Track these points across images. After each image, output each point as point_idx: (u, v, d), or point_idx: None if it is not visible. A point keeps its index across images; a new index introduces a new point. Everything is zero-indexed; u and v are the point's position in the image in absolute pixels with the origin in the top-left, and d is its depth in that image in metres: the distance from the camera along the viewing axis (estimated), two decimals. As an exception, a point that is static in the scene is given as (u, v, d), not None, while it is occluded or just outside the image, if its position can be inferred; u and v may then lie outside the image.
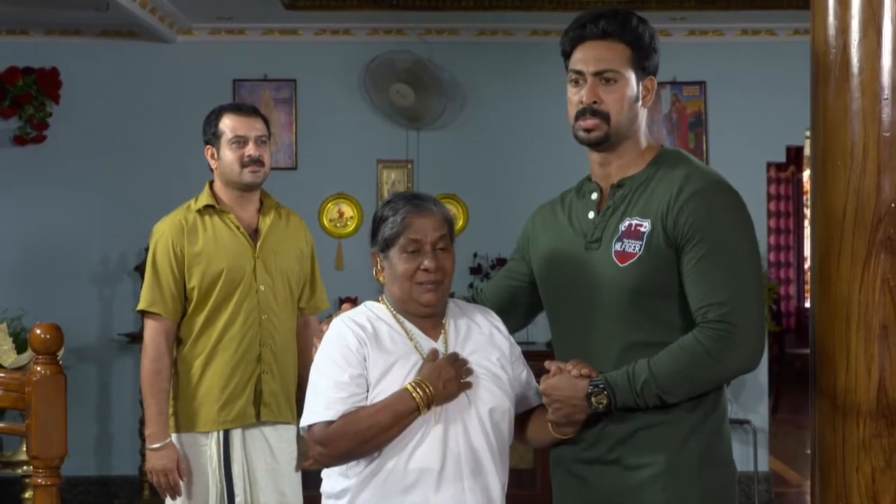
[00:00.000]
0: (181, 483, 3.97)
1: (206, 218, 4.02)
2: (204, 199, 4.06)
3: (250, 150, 4.00)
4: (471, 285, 7.44)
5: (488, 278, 7.46)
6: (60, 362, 2.72)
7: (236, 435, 3.97)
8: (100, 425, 7.53)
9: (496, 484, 2.77)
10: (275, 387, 4.03)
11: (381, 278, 2.86)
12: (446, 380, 2.69)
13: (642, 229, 2.71)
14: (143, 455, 7.02)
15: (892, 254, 2.60)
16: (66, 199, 7.47)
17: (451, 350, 2.79)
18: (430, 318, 2.84)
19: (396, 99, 7.40)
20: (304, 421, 2.74)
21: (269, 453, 4.02)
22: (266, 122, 4.14)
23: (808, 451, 9.23)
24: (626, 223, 2.74)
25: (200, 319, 3.97)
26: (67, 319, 6.84)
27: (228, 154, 4.01)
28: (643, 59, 2.80)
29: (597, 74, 2.76)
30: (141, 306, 3.99)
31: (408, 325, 2.81)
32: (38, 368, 2.61)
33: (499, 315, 2.94)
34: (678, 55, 7.48)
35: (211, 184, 4.11)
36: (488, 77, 7.57)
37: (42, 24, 7.39)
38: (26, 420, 2.63)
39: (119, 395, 7.50)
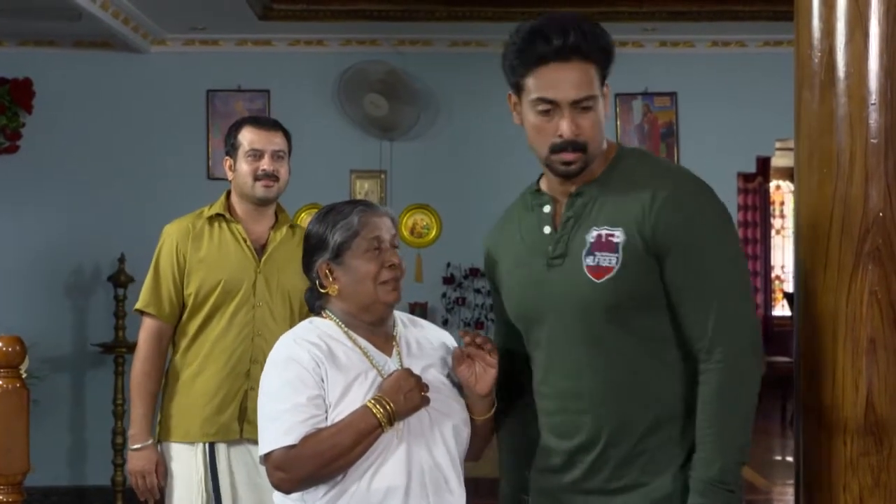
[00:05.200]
0: (162, 488, 3.94)
1: (215, 226, 4.00)
2: (217, 207, 4.02)
3: (265, 164, 3.94)
4: (444, 295, 7.48)
5: (461, 288, 7.48)
6: (24, 375, 2.70)
7: (222, 448, 3.92)
8: (74, 435, 7.52)
9: (461, 499, 2.74)
10: None
11: (333, 290, 2.77)
12: (407, 391, 2.63)
13: (615, 240, 2.47)
14: (115, 465, 7.01)
15: (880, 265, 2.51)
16: (39, 209, 7.46)
17: (405, 364, 2.73)
18: (381, 332, 2.78)
19: (370, 109, 7.41)
20: (263, 448, 2.67)
21: (254, 469, 3.93)
22: (287, 136, 4.06)
23: (777, 458, 9.22)
24: (595, 234, 2.50)
25: (193, 328, 3.94)
26: (41, 330, 6.93)
27: (244, 167, 3.96)
28: (607, 72, 2.55)
29: (575, 103, 2.48)
30: (138, 306, 3.97)
31: (360, 340, 2.75)
32: (0, 382, 2.60)
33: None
34: (650, 66, 7.54)
35: (228, 194, 4.08)
36: (461, 88, 7.59)
37: (15, 34, 7.38)
38: (-13, 435, 2.61)
39: (93, 404, 7.48)
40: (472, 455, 2.85)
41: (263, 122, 4.08)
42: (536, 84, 2.49)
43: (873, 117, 2.53)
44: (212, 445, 3.91)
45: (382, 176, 7.56)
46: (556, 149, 2.51)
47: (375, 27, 7.34)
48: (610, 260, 2.47)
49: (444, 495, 2.70)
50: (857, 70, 2.55)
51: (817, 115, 2.61)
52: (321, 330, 2.77)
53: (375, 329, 2.78)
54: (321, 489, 2.65)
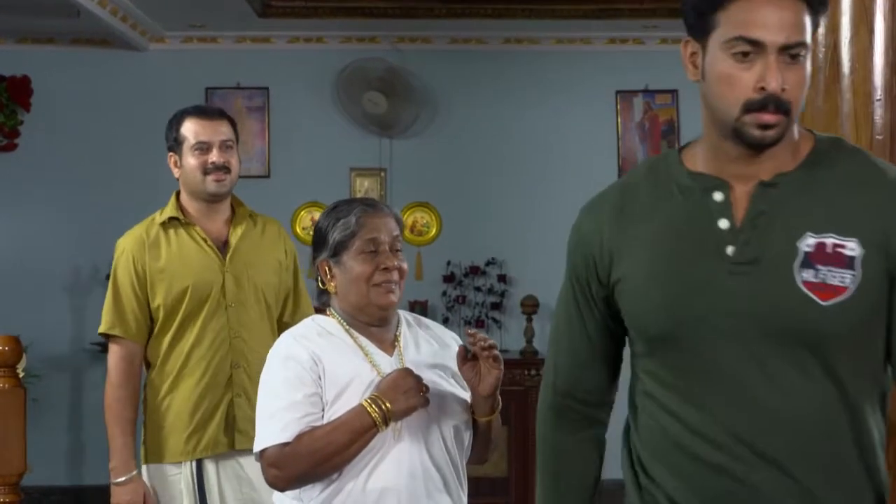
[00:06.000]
0: None
1: (171, 231, 3.75)
2: (168, 210, 3.78)
3: (214, 156, 3.68)
4: (444, 293, 7.46)
5: (462, 286, 7.45)
6: (21, 375, 2.69)
7: (210, 465, 3.67)
8: (72, 435, 7.48)
9: (459, 500, 2.72)
10: (250, 412, 3.41)
11: (331, 288, 2.77)
12: (405, 390, 2.60)
13: (850, 252, 1.94)
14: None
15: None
16: (38, 207, 7.43)
17: (407, 364, 2.71)
18: (383, 331, 2.76)
19: (369, 107, 7.39)
20: (258, 445, 2.65)
21: (248, 484, 3.68)
22: (233, 124, 3.80)
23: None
24: (813, 241, 1.95)
25: (166, 340, 3.69)
26: (39, 329, 6.91)
27: (191, 161, 3.70)
28: (818, 23, 2.01)
29: (784, 50, 1.93)
30: (101, 329, 3.70)
31: (361, 339, 2.73)
32: (-4, 382, 2.59)
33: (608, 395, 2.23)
34: (650, 64, 7.50)
35: (178, 194, 3.82)
36: (461, 85, 7.56)
37: (14, 31, 7.35)
38: (-16, 435, 2.59)
39: (91, 404, 7.43)
40: (477, 458, 2.83)
41: (207, 111, 3.84)
42: (735, 20, 1.94)
43: (878, 113, 2.52)
44: (199, 462, 3.67)
45: (382, 174, 7.54)
46: (752, 106, 1.94)
47: (375, 24, 7.32)
48: (843, 278, 1.93)
49: (441, 496, 2.68)
50: (863, 66, 2.53)
51: (822, 111, 2.59)
52: (322, 327, 2.76)
53: (377, 328, 2.76)
54: (317, 488, 2.64)
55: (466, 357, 2.66)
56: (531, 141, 7.50)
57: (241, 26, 7.33)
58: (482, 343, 2.64)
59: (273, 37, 7.54)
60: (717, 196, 2.01)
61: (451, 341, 2.86)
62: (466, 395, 2.75)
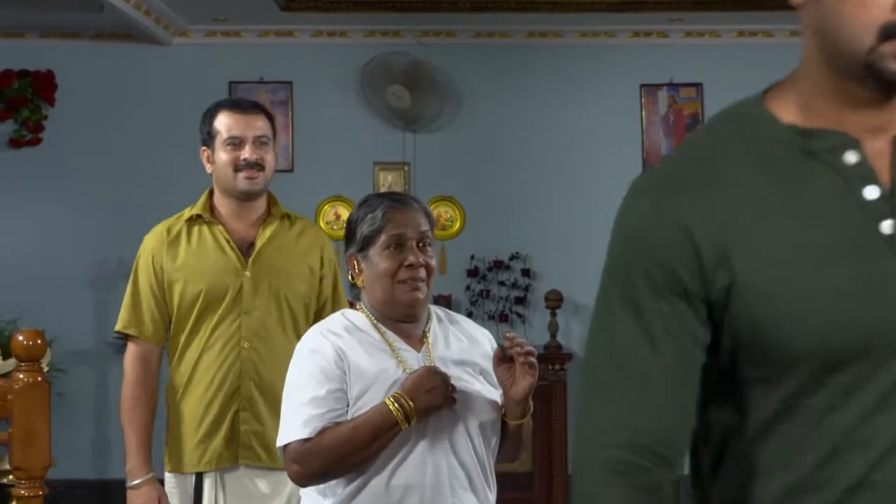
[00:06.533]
0: None
1: (195, 229, 3.59)
2: (197, 207, 3.61)
3: (247, 152, 3.51)
4: (468, 287, 7.45)
5: (485, 280, 7.43)
6: (45, 370, 2.68)
7: (208, 480, 3.50)
8: (97, 429, 7.50)
9: (486, 499, 2.70)
10: (258, 427, 3.50)
11: (359, 282, 2.74)
12: (429, 389, 2.57)
13: None
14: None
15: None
16: (62, 201, 7.46)
17: (435, 361, 2.68)
18: (412, 327, 2.73)
19: (393, 101, 7.37)
20: (280, 440, 2.63)
21: (260, 499, 3.51)
22: (270, 119, 3.63)
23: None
24: None
25: (180, 343, 3.56)
26: (64, 323, 6.93)
27: (223, 156, 3.53)
28: None
29: None
30: (117, 328, 3.60)
31: (389, 334, 2.70)
32: (21, 376, 2.57)
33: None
34: (675, 57, 7.48)
35: (211, 191, 3.66)
36: (485, 79, 7.54)
37: (38, 26, 7.37)
38: (8, 429, 2.59)
39: (116, 398, 7.33)
40: (506, 457, 2.81)
41: (242, 104, 3.67)
42: None
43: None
44: (199, 476, 3.51)
45: (406, 168, 7.53)
46: (895, 31, 1.43)
47: (398, 18, 7.30)
48: None
49: (466, 495, 2.65)
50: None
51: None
52: (350, 322, 2.73)
53: (406, 324, 2.74)
54: (341, 484, 2.63)
55: (503, 358, 2.63)
56: (555, 135, 7.47)
57: (264, 20, 7.33)
58: (519, 348, 2.60)
59: (296, 31, 7.53)
60: (851, 157, 1.50)
61: (482, 337, 2.83)
62: (496, 394, 2.72)
